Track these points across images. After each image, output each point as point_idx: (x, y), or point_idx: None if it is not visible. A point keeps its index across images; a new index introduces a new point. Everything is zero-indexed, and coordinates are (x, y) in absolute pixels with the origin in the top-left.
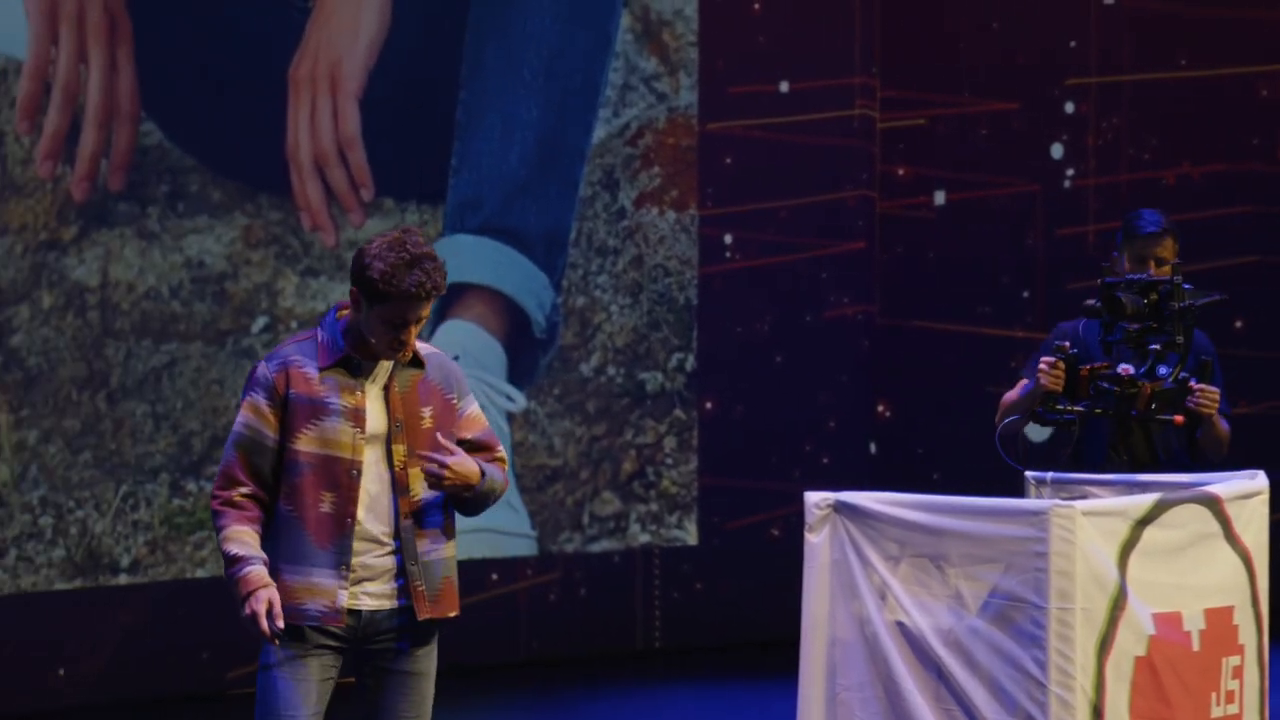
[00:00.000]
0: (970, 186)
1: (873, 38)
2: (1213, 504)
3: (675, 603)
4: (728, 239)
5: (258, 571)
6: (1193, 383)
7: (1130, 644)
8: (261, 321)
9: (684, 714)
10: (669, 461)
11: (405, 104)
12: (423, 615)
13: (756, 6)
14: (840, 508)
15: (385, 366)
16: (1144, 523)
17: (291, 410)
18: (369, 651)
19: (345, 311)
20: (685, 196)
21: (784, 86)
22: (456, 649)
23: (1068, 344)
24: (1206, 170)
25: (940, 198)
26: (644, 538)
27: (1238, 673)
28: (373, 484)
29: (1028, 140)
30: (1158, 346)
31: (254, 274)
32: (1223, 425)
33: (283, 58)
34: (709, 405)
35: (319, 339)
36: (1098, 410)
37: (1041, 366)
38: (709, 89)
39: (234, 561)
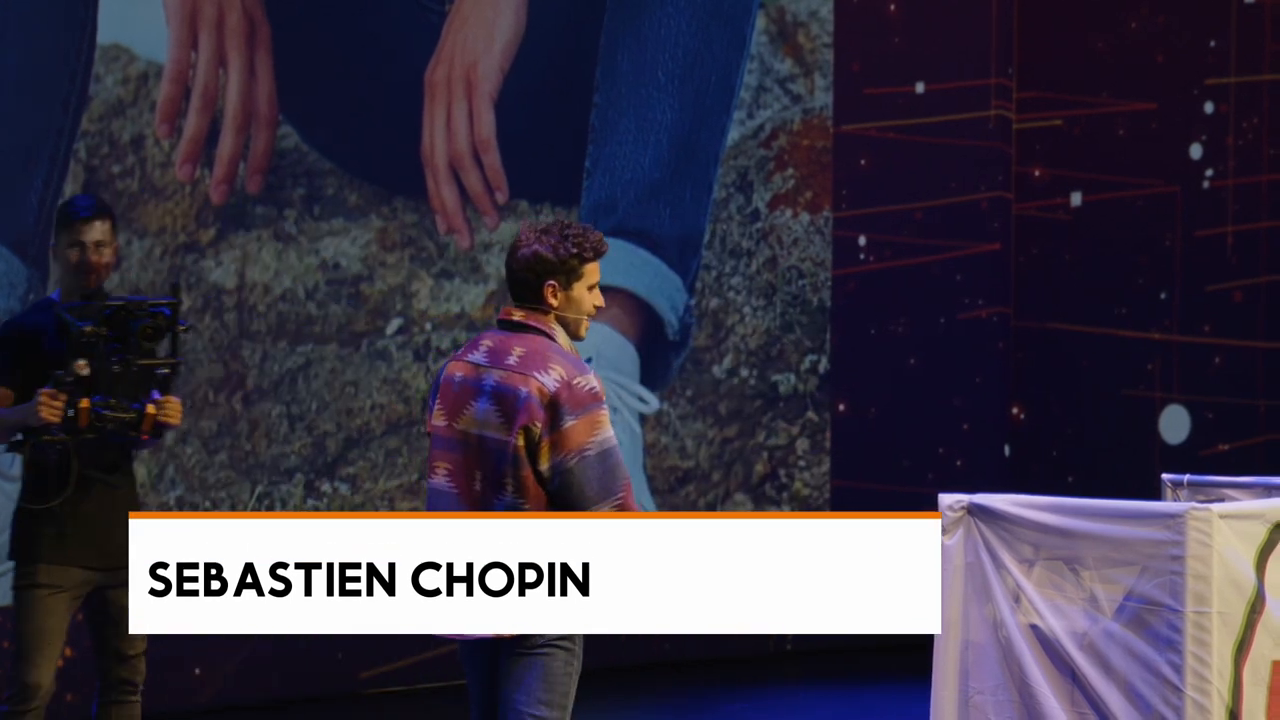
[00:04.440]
0: (1107, 188)
1: (1009, 38)
2: None
3: None
4: (862, 241)
5: None
6: (156, 396)
7: (1268, 648)
8: (396, 324)
9: (818, 716)
10: (801, 464)
11: (540, 107)
12: None
13: (892, 8)
14: (974, 510)
15: None
16: None
17: None
18: None
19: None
20: (819, 198)
21: (919, 88)
22: (600, 651)
23: (70, 377)
24: None
25: (1077, 199)
26: None
27: None
28: None
29: (1166, 141)
30: (118, 368)
31: (389, 276)
32: None
33: (418, 61)
34: (842, 407)
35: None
36: (90, 435)
37: (44, 399)
38: (844, 90)
39: None
